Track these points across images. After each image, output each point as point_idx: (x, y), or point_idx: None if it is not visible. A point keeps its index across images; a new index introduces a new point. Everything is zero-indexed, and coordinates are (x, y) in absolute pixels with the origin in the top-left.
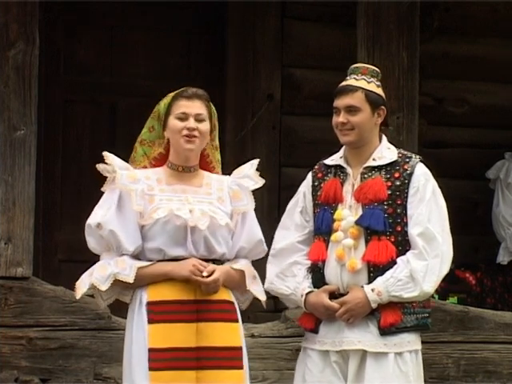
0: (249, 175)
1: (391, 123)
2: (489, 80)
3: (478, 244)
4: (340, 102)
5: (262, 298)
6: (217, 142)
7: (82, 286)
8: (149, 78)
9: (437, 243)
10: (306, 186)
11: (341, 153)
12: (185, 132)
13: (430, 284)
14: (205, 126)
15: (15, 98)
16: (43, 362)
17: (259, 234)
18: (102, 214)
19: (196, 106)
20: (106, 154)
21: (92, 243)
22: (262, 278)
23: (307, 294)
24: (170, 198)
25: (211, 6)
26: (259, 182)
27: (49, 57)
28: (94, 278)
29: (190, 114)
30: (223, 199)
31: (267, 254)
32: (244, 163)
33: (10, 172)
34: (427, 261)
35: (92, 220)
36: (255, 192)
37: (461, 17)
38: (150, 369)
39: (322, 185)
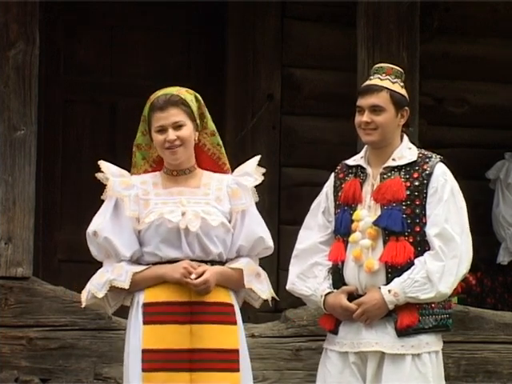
0: (248, 172)
1: None
2: (489, 80)
3: (478, 244)
4: (364, 102)
5: (264, 296)
6: (211, 128)
7: (85, 294)
8: (149, 77)
9: (455, 244)
10: (328, 187)
11: (362, 153)
12: (166, 145)
13: (446, 285)
14: (185, 132)
15: (15, 98)
16: (43, 362)
17: (259, 232)
18: (98, 222)
19: (171, 115)
20: (101, 162)
21: (93, 251)
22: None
23: (326, 294)
24: (165, 202)
25: (211, 5)
26: (258, 179)
27: (49, 57)
28: (92, 286)
29: (167, 126)
30: (221, 199)
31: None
32: (243, 163)
33: (10, 172)
34: (444, 262)
35: (90, 228)
36: (256, 192)
37: (461, 17)
38: (143, 370)
39: (342, 185)
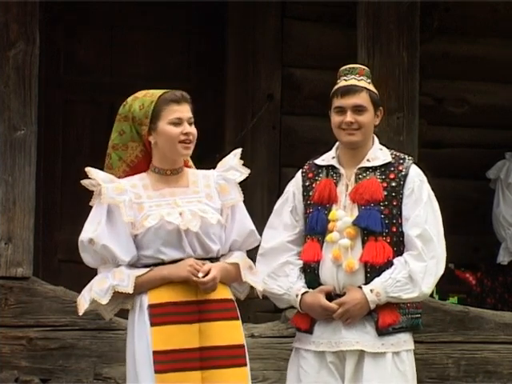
0: (233, 166)
1: (391, 123)
2: (489, 80)
3: (479, 244)
4: (346, 102)
5: (260, 287)
6: None
7: (83, 301)
8: (149, 77)
9: (433, 245)
10: (295, 186)
11: (332, 153)
12: (182, 137)
13: (428, 285)
14: (195, 130)
15: (15, 98)
16: (43, 362)
17: (250, 225)
18: (92, 230)
19: (186, 110)
20: (88, 169)
21: (87, 258)
22: None
23: (303, 294)
24: (158, 204)
25: (211, 5)
26: (245, 173)
27: (49, 57)
28: (94, 293)
29: (183, 119)
30: (211, 195)
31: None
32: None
33: (10, 172)
34: (426, 262)
35: (83, 236)
36: (256, 192)
37: (461, 17)
38: (156, 371)
39: (313, 185)
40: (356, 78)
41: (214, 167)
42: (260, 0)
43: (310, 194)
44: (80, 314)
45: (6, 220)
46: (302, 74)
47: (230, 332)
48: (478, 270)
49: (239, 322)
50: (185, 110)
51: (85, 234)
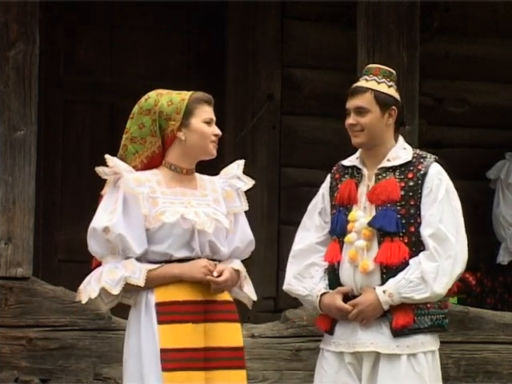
0: (238, 176)
1: None
2: (489, 80)
3: (478, 244)
4: (350, 104)
5: (254, 298)
6: None
7: (90, 290)
8: (149, 77)
9: (450, 244)
10: (324, 188)
11: (357, 154)
12: (213, 138)
13: (441, 285)
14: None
15: (15, 98)
16: (43, 363)
17: (251, 235)
18: (108, 218)
19: (213, 112)
20: (108, 156)
21: (94, 247)
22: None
23: (322, 295)
24: (172, 201)
25: (211, 5)
26: (249, 183)
27: (49, 57)
28: (105, 282)
29: (213, 121)
30: (218, 200)
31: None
32: (244, 163)
33: (10, 172)
34: (438, 262)
35: (98, 224)
36: (256, 192)
37: (461, 17)
38: (164, 369)
39: (338, 186)
40: (367, 79)
41: (213, 167)
42: (260, 0)
43: (335, 195)
44: (83, 301)
45: (5, 220)
46: (302, 74)
47: (231, 334)
48: (477, 270)
49: (239, 324)
50: (213, 112)
51: (99, 222)
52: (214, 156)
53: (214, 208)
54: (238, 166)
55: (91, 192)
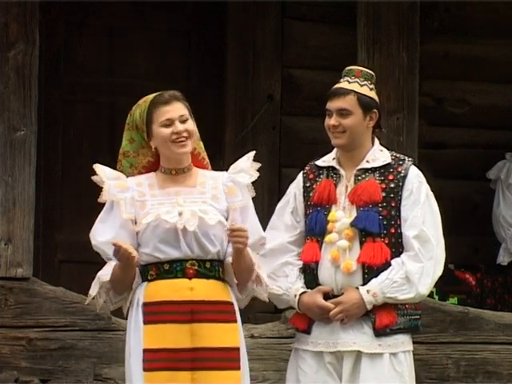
0: (243, 169)
1: (391, 124)
2: (489, 80)
3: (478, 245)
4: (332, 105)
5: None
6: (197, 133)
7: (91, 291)
8: (149, 78)
9: (431, 246)
10: (296, 187)
11: (333, 154)
12: (174, 137)
13: (425, 286)
14: (191, 125)
15: (15, 99)
16: (43, 363)
17: (261, 230)
18: (94, 228)
19: (177, 108)
20: (96, 166)
21: (102, 255)
22: None
23: (301, 294)
24: (161, 202)
25: (211, 5)
26: (254, 176)
27: (49, 57)
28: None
29: (174, 119)
30: (218, 197)
31: None
32: (239, 159)
33: (10, 173)
34: (423, 263)
35: (90, 234)
36: (255, 192)
37: (461, 17)
38: (145, 369)
39: (314, 186)
40: (349, 80)
41: (213, 167)
42: (260, 0)
43: (311, 194)
44: (92, 295)
45: (5, 220)
46: (302, 74)
47: (224, 334)
48: (477, 271)
49: (236, 325)
50: (175, 109)
51: (90, 233)
52: (181, 154)
53: (210, 205)
54: (248, 158)
55: (91, 192)
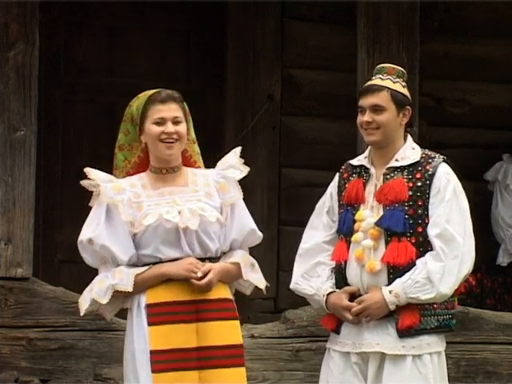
0: (233, 165)
1: None
2: (489, 80)
3: (478, 245)
4: (365, 101)
5: (262, 285)
6: (193, 136)
7: (84, 302)
8: (149, 78)
9: (456, 244)
10: (333, 187)
11: (366, 153)
12: (163, 136)
13: (447, 285)
14: (182, 128)
15: (15, 99)
16: (43, 363)
17: (250, 224)
18: (91, 230)
19: (172, 109)
20: (87, 169)
21: (87, 259)
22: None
23: (328, 294)
24: (157, 203)
25: (211, 5)
26: (244, 171)
27: (49, 57)
28: (94, 293)
29: (167, 119)
30: (211, 194)
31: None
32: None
33: (10, 173)
34: (444, 262)
35: (83, 236)
36: (255, 192)
37: (461, 17)
38: (153, 371)
39: (346, 185)
40: (382, 78)
41: (214, 167)
42: (260, 0)
43: (343, 194)
44: (81, 314)
45: (5, 221)
46: (301, 74)
47: (228, 332)
48: (477, 271)
49: (237, 321)
50: (170, 110)
51: (84, 235)
52: (168, 157)
53: (205, 202)
54: (235, 154)
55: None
